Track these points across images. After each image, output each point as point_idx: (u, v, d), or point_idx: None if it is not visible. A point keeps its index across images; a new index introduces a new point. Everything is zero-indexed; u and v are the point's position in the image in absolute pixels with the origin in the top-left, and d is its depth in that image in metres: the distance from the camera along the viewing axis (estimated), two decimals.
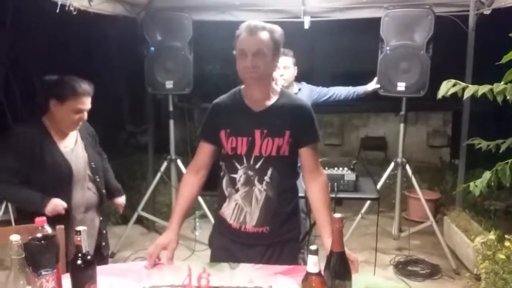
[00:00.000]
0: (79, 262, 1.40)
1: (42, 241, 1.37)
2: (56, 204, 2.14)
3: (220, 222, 1.96)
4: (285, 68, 3.37)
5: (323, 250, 1.51)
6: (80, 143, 2.34)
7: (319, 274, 1.31)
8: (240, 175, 1.86)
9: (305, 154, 1.90)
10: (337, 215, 1.37)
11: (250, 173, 1.85)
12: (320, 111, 3.56)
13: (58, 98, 2.16)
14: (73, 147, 2.30)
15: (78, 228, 1.40)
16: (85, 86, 2.20)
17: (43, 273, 1.36)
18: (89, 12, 3.30)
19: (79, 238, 1.39)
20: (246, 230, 1.89)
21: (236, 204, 1.89)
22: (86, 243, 1.41)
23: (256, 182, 1.85)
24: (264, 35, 1.79)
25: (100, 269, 1.52)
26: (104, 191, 2.44)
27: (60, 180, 2.21)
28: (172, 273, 1.71)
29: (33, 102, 2.40)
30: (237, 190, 1.88)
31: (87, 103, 2.22)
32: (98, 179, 2.37)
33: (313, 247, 1.29)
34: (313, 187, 1.91)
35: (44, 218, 1.40)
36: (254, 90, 1.87)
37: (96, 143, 2.51)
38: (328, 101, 3.66)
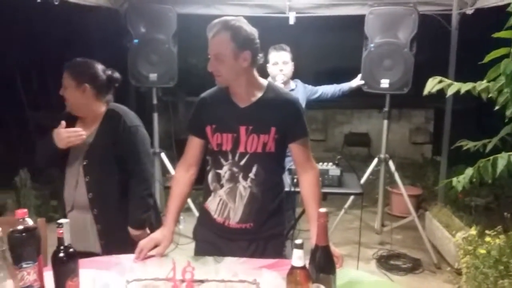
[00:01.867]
0: (61, 254, 1.37)
1: (23, 233, 1.35)
2: (58, 132, 2.08)
3: (205, 214, 1.95)
4: (284, 63, 3.33)
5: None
6: (91, 138, 2.17)
7: (304, 268, 1.31)
8: (225, 171, 1.84)
9: (295, 149, 1.88)
10: (322, 210, 1.37)
11: (235, 169, 1.83)
12: (304, 106, 3.59)
13: None
14: (85, 138, 2.14)
15: (60, 221, 1.37)
16: (67, 63, 2.19)
17: (24, 265, 1.34)
18: (70, 3, 3.25)
19: (61, 231, 1.37)
20: (230, 226, 1.87)
21: (221, 199, 1.87)
22: (69, 235, 1.39)
23: (240, 178, 1.83)
24: (223, 36, 1.72)
25: (82, 262, 1.50)
26: (96, 196, 2.15)
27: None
28: (156, 266, 1.70)
29: (11, 92, 2.36)
30: (221, 186, 1.86)
31: (63, 79, 2.16)
32: (88, 180, 2.15)
33: (298, 241, 1.29)
34: (303, 180, 1.91)
35: (25, 210, 1.37)
36: (233, 88, 1.84)
37: (123, 145, 2.20)
38: (317, 100, 3.66)
